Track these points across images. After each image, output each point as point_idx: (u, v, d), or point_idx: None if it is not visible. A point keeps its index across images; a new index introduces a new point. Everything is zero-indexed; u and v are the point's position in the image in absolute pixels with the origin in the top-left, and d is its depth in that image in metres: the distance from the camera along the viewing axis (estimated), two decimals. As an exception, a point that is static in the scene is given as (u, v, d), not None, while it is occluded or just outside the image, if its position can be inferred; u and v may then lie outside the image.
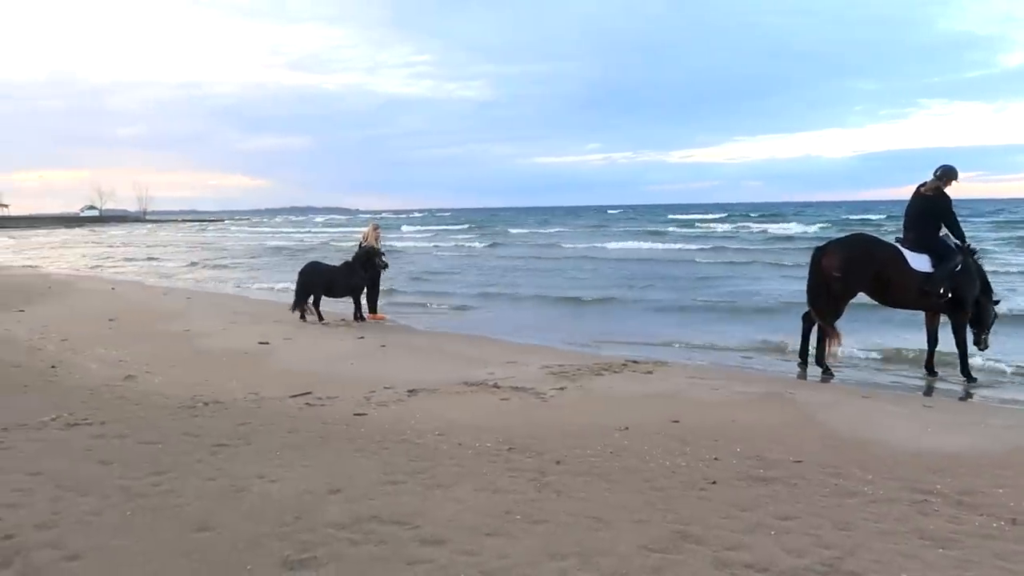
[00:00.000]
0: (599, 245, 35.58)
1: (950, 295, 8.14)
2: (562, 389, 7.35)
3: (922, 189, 8.37)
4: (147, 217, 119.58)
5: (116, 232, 71.67)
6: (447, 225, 69.23)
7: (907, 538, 3.68)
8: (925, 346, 8.59)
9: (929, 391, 7.99)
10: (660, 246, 33.92)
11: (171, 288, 18.97)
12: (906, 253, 8.18)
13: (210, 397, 6.89)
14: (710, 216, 69.93)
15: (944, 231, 8.32)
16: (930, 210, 8.29)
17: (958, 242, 8.28)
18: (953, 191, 8.32)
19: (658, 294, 16.57)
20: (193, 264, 28.75)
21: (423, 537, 3.64)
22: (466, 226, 64.35)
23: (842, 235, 9.13)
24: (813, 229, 43.94)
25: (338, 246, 35.48)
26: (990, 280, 8.64)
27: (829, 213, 71.46)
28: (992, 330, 8.49)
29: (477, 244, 39.65)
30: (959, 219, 8.34)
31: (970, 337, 8.33)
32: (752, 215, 68.99)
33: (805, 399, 6.89)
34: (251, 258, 32.68)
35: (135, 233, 68.51)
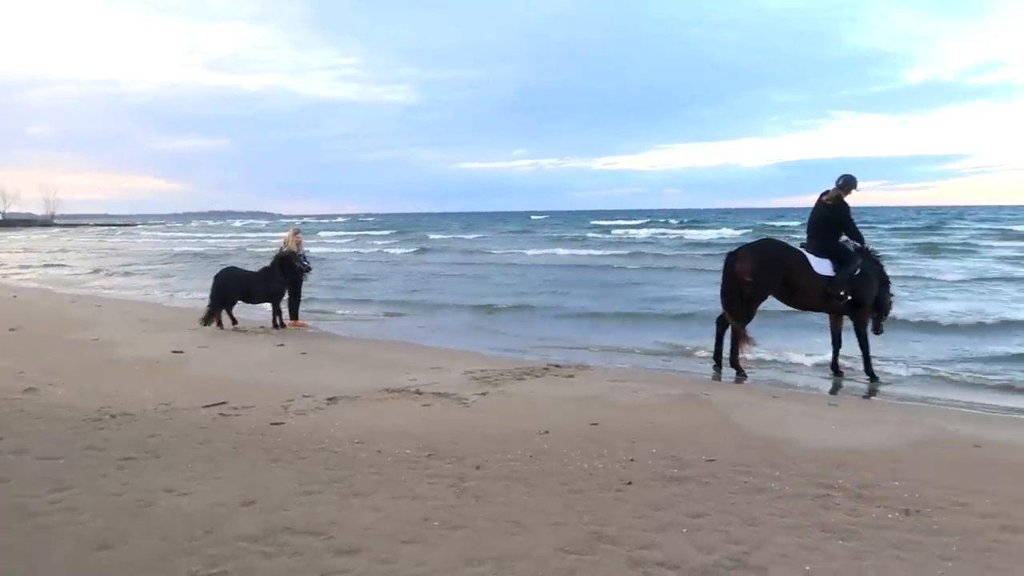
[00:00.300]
0: (522, 251, 35.75)
1: (851, 298, 8.56)
2: (484, 394, 7.37)
3: (824, 198, 8.76)
4: (55, 221, 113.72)
5: (16, 236, 68.00)
6: (370, 231, 68.37)
7: (810, 531, 3.84)
8: (830, 348, 8.99)
9: (835, 390, 8.35)
10: (582, 252, 34.34)
11: (79, 296, 18.11)
12: (810, 258, 8.56)
13: (118, 409, 6.61)
14: (634, 222, 71.46)
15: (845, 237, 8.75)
16: (831, 218, 8.70)
17: (858, 245, 8.71)
18: (854, 199, 8.74)
19: (578, 300, 16.77)
20: (97, 271, 27.47)
21: (338, 547, 3.60)
22: (389, 232, 63.71)
23: (753, 241, 9.43)
24: (732, 235, 45.48)
25: (255, 252, 34.64)
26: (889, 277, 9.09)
27: (748, 219, 73.98)
28: (888, 317, 9.04)
29: (400, 250, 39.32)
30: (861, 225, 8.83)
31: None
32: (672, 221, 70.67)
33: (720, 400, 7.10)
34: (163, 264, 31.55)
35: (36, 238, 65.10)
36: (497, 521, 3.94)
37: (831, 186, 8.73)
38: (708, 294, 15.94)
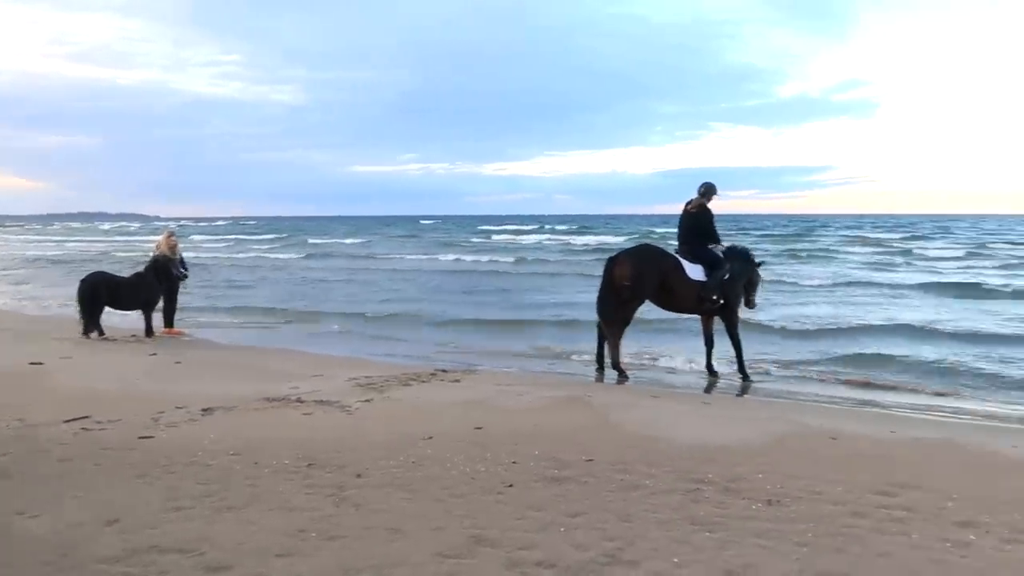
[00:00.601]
0: (409, 256, 35.47)
1: (723, 301, 9.04)
2: (368, 401, 7.28)
3: (689, 207, 9.23)
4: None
5: None
6: (252, 235, 65.87)
7: (680, 525, 4.02)
8: (705, 349, 9.44)
9: (709, 389, 8.76)
10: (468, 257, 34.42)
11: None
12: (684, 264, 8.98)
13: (-37, 427, 6.09)
14: (524, 227, 72.38)
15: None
16: (697, 225, 9.19)
17: (724, 250, 9.26)
18: (727, 206, 9.31)
19: (465, 306, 16.84)
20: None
21: (208, 564, 3.46)
22: (274, 236, 61.56)
23: (631, 247, 9.73)
24: (616, 241, 46.86)
25: (122, 257, 32.71)
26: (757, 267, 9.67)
27: (634, 225, 76.42)
28: (759, 291, 9.73)
29: (284, 255, 38.08)
30: (737, 232, 9.37)
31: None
32: (560, 227, 72.09)
33: (601, 401, 7.30)
34: (16, 270, 29.26)
35: None
36: (376, 529, 3.91)
37: (694, 195, 9.21)
38: (591, 299, 16.39)
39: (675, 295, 8.97)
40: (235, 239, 55.88)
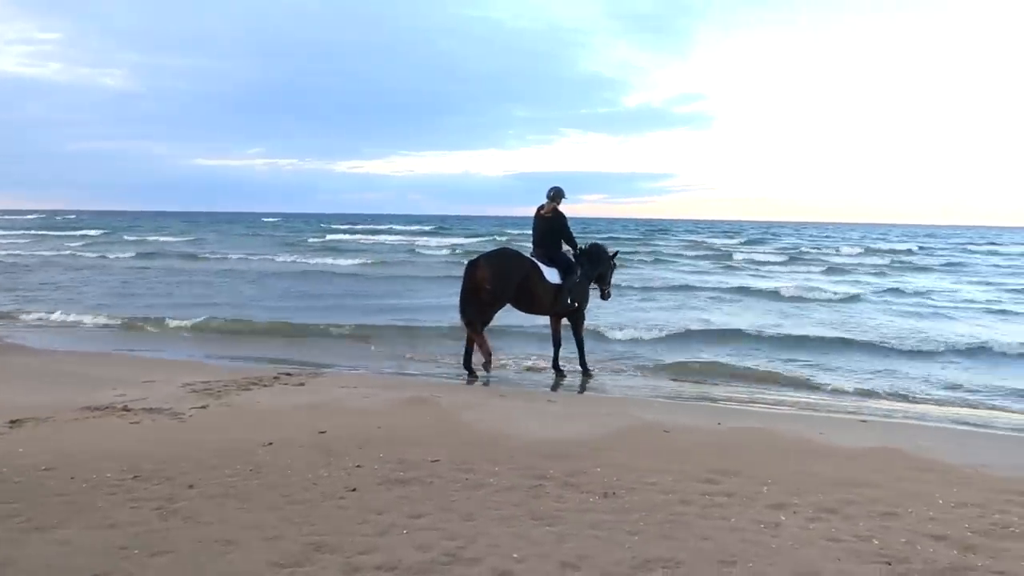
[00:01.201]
0: (236, 256, 33.68)
1: (577, 304, 9.42)
2: (204, 407, 6.92)
3: (542, 212, 9.49)
4: None
5: None
6: (71, 230, 59.70)
7: (521, 521, 4.13)
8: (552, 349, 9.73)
9: (555, 388, 9.03)
10: (313, 260, 33.19)
11: None
12: (542, 267, 9.23)
13: None
14: (378, 227, 71.35)
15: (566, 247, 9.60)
16: (552, 228, 9.44)
17: (575, 253, 9.58)
18: (568, 209, 9.57)
19: (311, 309, 16.38)
20: None
21: (11, 590, 3.17)
22: (100, 232, 56.29)
23: (492, 249, 9.81)
24: (470, 242, 47.26)
25: None
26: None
27: (489, 227, 77.31)
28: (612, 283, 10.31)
29: (90, 253, 34.23)
30: (592, 235, 9.75)
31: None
32: (411, 228, 71.61)
33: (449, 401, 7.34)
34: None
35: None
36: (207, 542, 3.73)
37: (544, 200, 9.46)
38: (440, 302, 16.44)
39: (534, 298, 9.19)
40: (42, 235, 50.58)
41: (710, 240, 57.16)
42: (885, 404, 8.43)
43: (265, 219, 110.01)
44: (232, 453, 5.39)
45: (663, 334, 12.64)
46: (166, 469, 4.97)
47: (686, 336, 12.74)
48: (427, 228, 71.68)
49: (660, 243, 52.05)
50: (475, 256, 9.49)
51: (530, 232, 9.78)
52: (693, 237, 62.22)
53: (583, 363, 9.59)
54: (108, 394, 7.34)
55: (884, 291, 21.38)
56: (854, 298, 19.52)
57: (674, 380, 9.51)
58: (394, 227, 73.39)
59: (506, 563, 3.58)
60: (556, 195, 9.38)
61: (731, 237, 64.62)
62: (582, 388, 9.02)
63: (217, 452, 5.41)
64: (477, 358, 9.22)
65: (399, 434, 6.02)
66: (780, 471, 5.20)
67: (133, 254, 34.52)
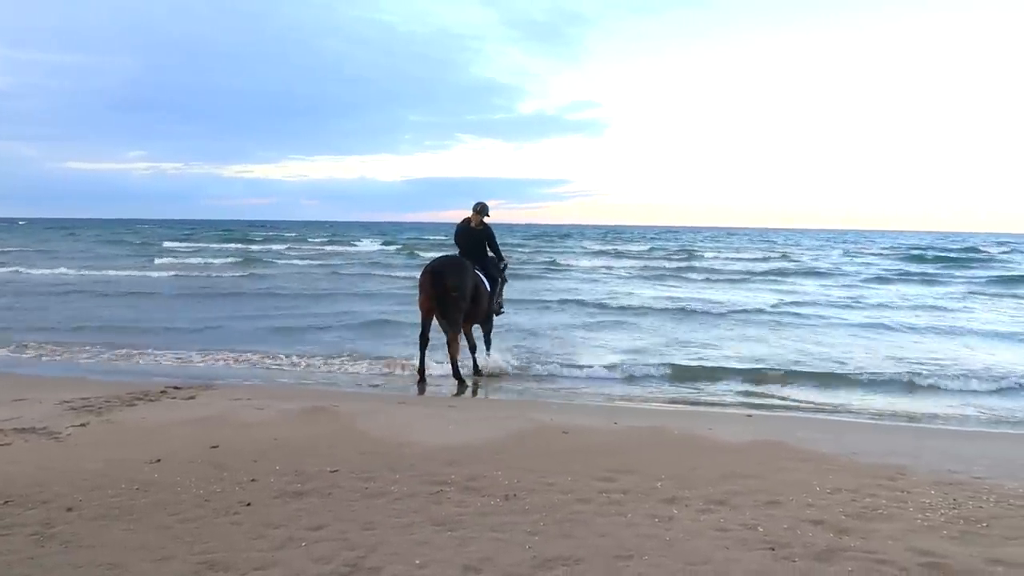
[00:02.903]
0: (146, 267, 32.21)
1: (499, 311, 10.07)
2: (84, 425, 6.53)
3: (472, 224, 9.81)
4: None
5: None
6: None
7: (422, 527, 4.11)
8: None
9: (460, 393, 9.03)
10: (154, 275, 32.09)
11: None
12: (480, 275, 9.60)
13: None
14: (271, 234, 69.22)
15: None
16: (482, 240, 9.86)
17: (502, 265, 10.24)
18: (460, 215, 10.01)
19: (194, 315, 15.75)
20: None
21: None
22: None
23: (445, 257, 9.68)
24: (373, 249, 46.77)
25: None
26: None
27: (385, 233, 76.49)
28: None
29: None
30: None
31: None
32: (288, 233, 69.96)
33: (348, 410, 7.21)
34: None
35: None
36: (89, 567, 3.53)
37: (470, 212, 9.83)
38: (323, 310, 16.16)
39: (478, 305, 9.51)
40: None
41: (613, 247, 58.46)
42: (769, 400, 8.89)
43: (139, 226, 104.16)
44: (116, 472, 5.11)
45: (561, 339, 12.84)
46: (42, 492, 4.66)
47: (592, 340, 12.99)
48: (330, 234, 70.08)
49: (565, 248, 52.83)
50: (434, 263, 9.35)
51: (446, 239, 10.03)
52: (597, 244, 63.42)
53: (476, 365, 9.99)
54: (-27, 415, 6.80)
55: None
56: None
57: (574, 379, 9.72)
58: (281, 232, 71.36)
59: (408, 570, 3.57)
60: (483, 209, 9.82)
61: (640, 243, 65.97)
62: (476, 391, 9.10)
63: (99, 472, 5.12)
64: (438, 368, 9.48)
65: (296, 445, 5.87)
66: (673, 467, 5.40)
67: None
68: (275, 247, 50.74)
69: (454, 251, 9.99)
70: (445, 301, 9.10)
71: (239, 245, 51.69)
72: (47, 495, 4.60)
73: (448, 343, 9.34)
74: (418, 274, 9.41)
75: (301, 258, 39.11)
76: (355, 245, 52.37)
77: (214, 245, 51.43)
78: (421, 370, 9.38)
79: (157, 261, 34.81)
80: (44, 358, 10.81)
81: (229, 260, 35.91)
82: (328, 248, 50.09)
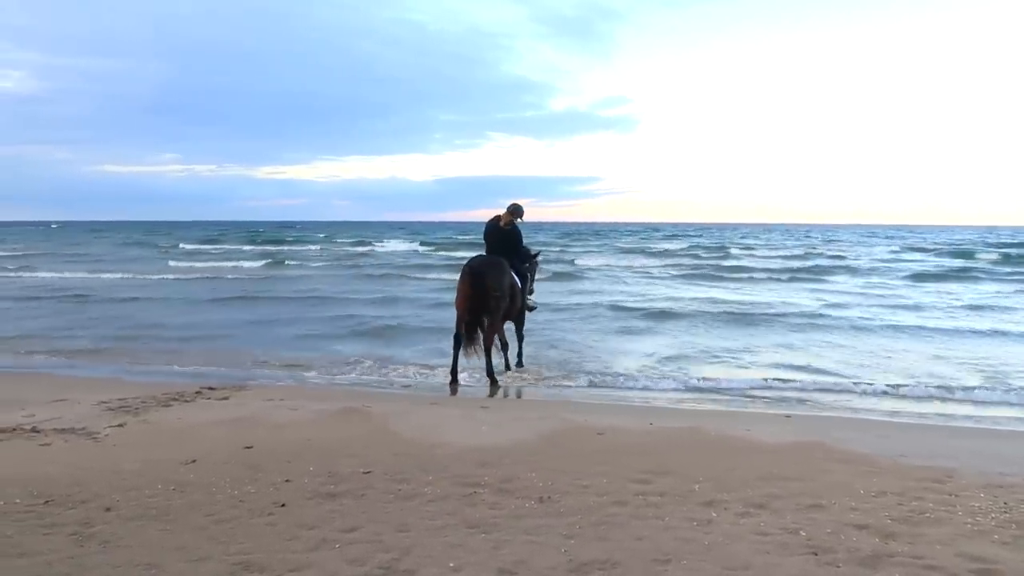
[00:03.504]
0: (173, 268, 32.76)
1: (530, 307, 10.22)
2: (121, 426, 6.65)
3: (501, 224, 9.86)
4: None
5: None
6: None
7: (456, 530, 4.11)
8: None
9: (493, 393, 9.03)
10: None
11: None
12: (513, 273, 9.67)
13: None
14: (300, 234, 69.97)
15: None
16: (509, 240, 9.90)
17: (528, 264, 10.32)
18: (493, 213, 10.08)
19: (231, 316, 15.96)
20: None
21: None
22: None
23: (483, 257, 9.68)
24: (410, 248, 47.05)
25: None
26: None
27: (423, 233, 76.94)
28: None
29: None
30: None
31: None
32: (318, 234, 70.59)
33: (380, 411, 7.25)
34: None
35: None
36: (127, 567, 3.58)
37: (501, 211, 9.88)
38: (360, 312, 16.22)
39: (513, 303, 9.62)
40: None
41: (658, 245, 57.90)
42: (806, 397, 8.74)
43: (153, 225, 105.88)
44: (152, 473, 5.19)
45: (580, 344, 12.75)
46: (81, 492, 4.75)
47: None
48: (359, 234, 70.65)
49: (590, 248, 52.62)
50: (474, 264, 9.36)
51: (473, 238, 10.10)
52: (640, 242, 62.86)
53: (519, 358, 10.12)
54: (14, 416, 6.96)
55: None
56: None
57: (608, 384, 9.64)
58: (309, 232, 72.08)
59: (442, 573, 3.56)
60: (516, 211, 9.88)
61: (680, 241, 64.64)
62: (508, 391, 9.09)
63: (136, 472, 5.21)
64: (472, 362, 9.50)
65: (329, 446, 5.91)
66: (710, 468, 5.32)
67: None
68: (306, 246, 51.31)
69: (483, 249, 10.05)
70: (486, 301, 9.18)
71: (268, 246, 52.18)
72: (86, 495, 4.69)
73: (484, 341, 9.39)
74: (454, 276, 9.52)
75: (328, 259, 39.44)
76: (383, 245, 52.60)
77: (245, 247, 52.04)
78: (454, 370, 9.40)
79: (174, 264, 34.90)
80: (78, 361, 11.04)
81: (257, 264, 36.04)
82: (360, 248, 50.37)
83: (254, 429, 6.50)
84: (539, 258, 10.84)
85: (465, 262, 9.57)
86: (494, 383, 9.36)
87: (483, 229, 10.09)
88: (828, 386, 9.33)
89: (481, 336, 9.34)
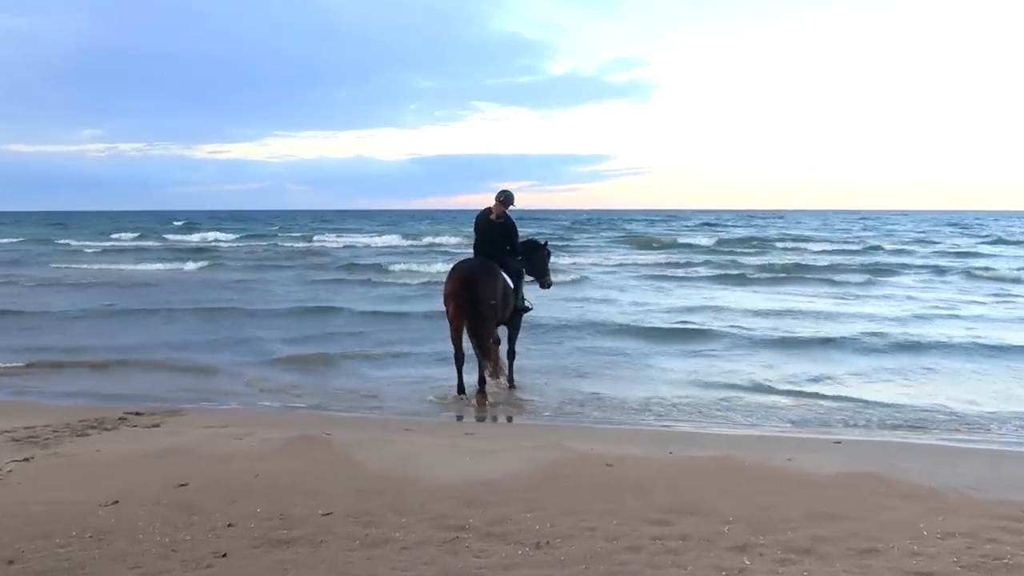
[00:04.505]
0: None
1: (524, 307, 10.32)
2: (28, 460, 6.62)
3: (492, 216, 9.99)
4: None
5: None
6: None
7: (435, 583, 4.09)
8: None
9: (482, 419, 9.06)
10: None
11: None
12: (504, 275, 9.79)
13: None
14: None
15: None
16: (502, 234, 10.07)
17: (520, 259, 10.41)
18: (484, 200, 10.19)
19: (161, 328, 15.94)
20: None
21: None
22: None
23: (473, 262, 9.87)
24: (378, 242, 46.91)
25: None
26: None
27: (397, 224, 76.76)
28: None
29: None
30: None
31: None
32: (266, 225, 70.66)
33: (343, 439, 7.22)
34: None
35: None
36: (32, 633, 3.54)
37: (492, 203, 9.99)
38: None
39: (506, 306, 9.82)
40: None
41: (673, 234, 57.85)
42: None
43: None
44: (65, 517, 5.15)
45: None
46: (-23, 542, 4.71)
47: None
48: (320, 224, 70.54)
49: (589, 240, 52.58)
50: (463, 269, 9.59)
51: (463, 238, 10.12)
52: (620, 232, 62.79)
53: (512, 380, 10.18)
54: (-102, 448, 6.92)
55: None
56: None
57: (620, 407, 9.64)
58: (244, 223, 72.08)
59: (417, 636, 3.54)
60: (507, 199, 10.00)
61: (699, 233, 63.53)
62: (498, 415, 9.15)
63: (45, 517, 5.17)
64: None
65: (281, 482, 5.88)
66: (743, 506, 5.32)
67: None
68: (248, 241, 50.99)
69: (473, 242, 10.23)
70: (481, 312, 9.32)
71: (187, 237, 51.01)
72: (-17, 545, 4.65)
73: (483, 355, 9.55)
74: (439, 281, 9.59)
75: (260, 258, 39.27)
76: (338, 240, 51.71)
77: (148, 243, 51.16)
78: (461, 389, 9.69)
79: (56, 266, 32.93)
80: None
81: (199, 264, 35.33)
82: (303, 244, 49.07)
83: (190, 462, 6.46)
84: (548, 247, 11.15)
85: (450, 267, 9.90)
86: (482, 400, 9.53)
87: (473, 221, 10.22)
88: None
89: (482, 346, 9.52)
